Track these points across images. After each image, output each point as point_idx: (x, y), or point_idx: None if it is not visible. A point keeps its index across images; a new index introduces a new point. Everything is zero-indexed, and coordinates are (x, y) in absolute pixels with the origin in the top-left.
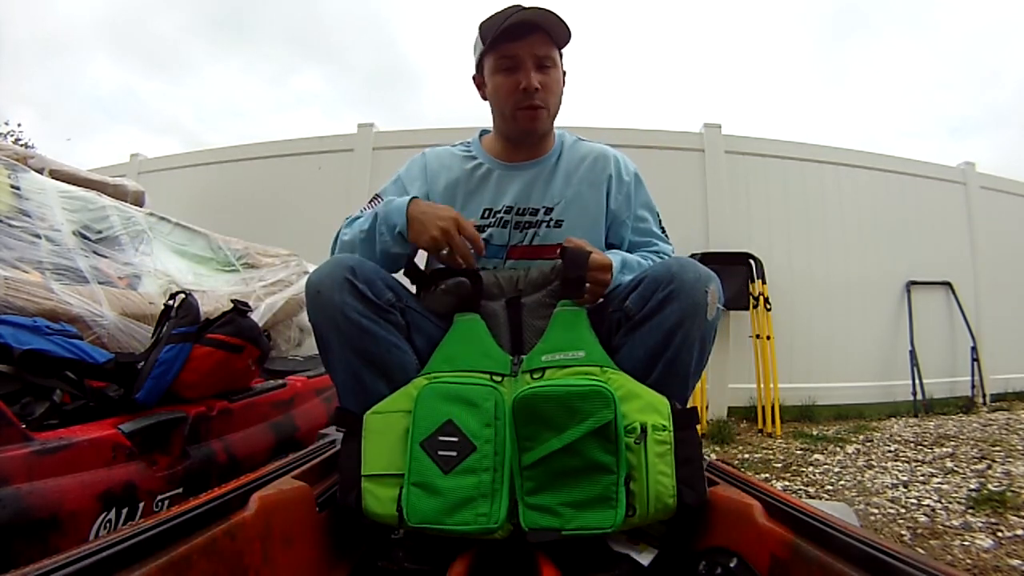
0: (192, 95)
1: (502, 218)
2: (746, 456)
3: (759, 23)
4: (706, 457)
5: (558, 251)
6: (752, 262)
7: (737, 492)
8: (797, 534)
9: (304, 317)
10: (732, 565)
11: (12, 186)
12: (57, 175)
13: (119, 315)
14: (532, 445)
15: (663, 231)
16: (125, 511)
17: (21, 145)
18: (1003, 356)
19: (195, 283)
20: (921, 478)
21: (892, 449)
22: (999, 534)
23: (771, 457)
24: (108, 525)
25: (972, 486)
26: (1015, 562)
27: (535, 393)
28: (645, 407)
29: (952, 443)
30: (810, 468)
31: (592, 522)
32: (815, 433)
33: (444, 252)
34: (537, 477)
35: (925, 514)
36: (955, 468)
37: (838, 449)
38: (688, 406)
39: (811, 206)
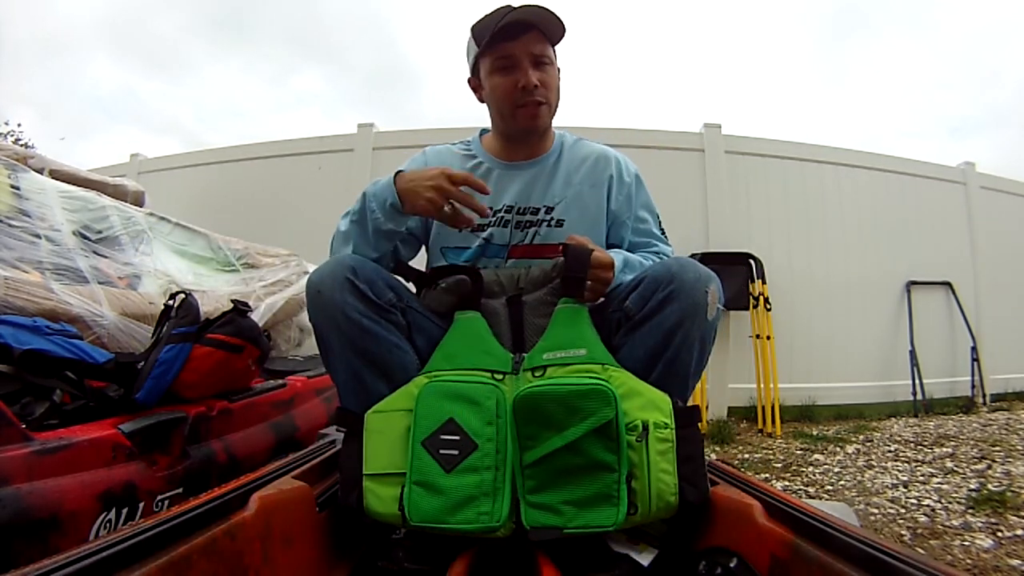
0: (192, 95)
1: (503, 217)
2: (746, 456)
3: (759, 23)
4: (706, 457)
5: (560, 248)
6: (752, 262)
7: (737, 492)
8: (797, 534)
9: (304, 317)
10: (732, 565)
11: (12, 186)
12: (57, 175)
13: (119, 315)
14: (533, 444)
15: (663, 232)
16: (125, 511)
17: (21, 145)
18: (1003, 356)
19: (195, 283)
20: (921, 478)
21: (892, 449)
22: (999, 534)
23: (771, 457)
24: (108, 525)
25: (972, 486)
26: (1015, 562)
27: (536, 392)
28: (646, 405)
29: (952, 443)
30: (810, 468)
31: (594, 520)
32: (815, 433)
33: (447, 209)
34: (539, 475)
35: (925, 514)
36: (955, 468)
37: (838, 449)
38: (688, 405)
39: (811, 206)
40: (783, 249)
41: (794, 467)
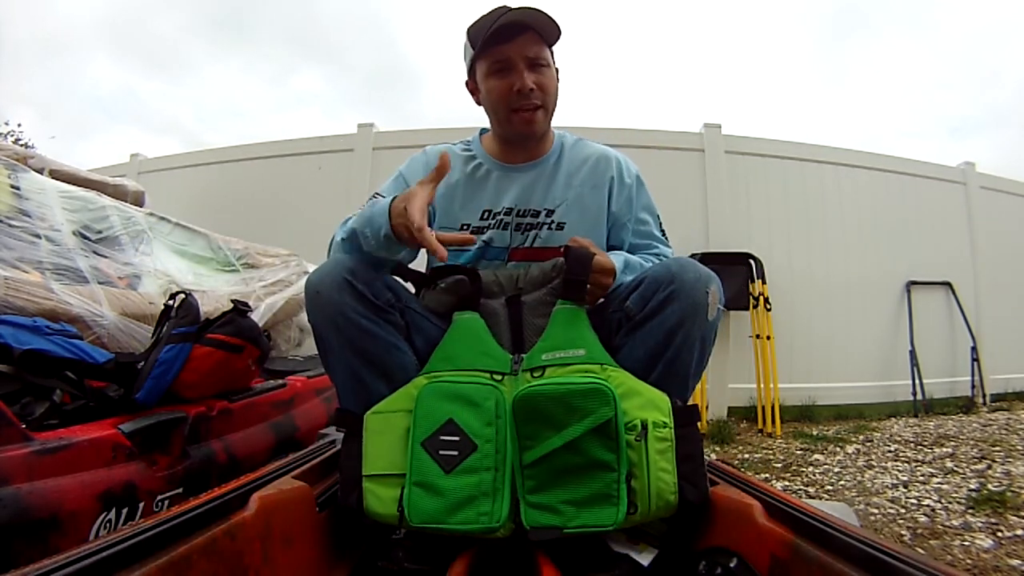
0: (192, 95)
1: (502, 220)
2: (746, 456)
3: (759, 23)
4: (706, 457)
5: (562, 250)
6: (752, 262)
7: (737, 492)
8: (797, 534)
9: (304, 317)
10: (732, 565)
11: (12, 186)
12: (57, 175)
13: (119, 315)
14: (533, 444)
15: (663, 234)
16: (125, 511)
17: (21, 145)
18: (1003, 356)
19: (195, 283)
20: (921, 478)
21: (892, 449)
22: (999, 534)
23: (771, 457)
24: (108, 525)
25: (972, 486)
26: (1015, 562)
27: (535, 392)
28: (646, 404)
29: (952, 443)
30: (810, 468)
31: (594, 520)
32: (815, 433)
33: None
34: (538, 475)
35: (925, 514)
36: (955, 468)
37: (838, 449)
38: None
39: (811, 206)
40: (783, 249)
41: (794, 467)
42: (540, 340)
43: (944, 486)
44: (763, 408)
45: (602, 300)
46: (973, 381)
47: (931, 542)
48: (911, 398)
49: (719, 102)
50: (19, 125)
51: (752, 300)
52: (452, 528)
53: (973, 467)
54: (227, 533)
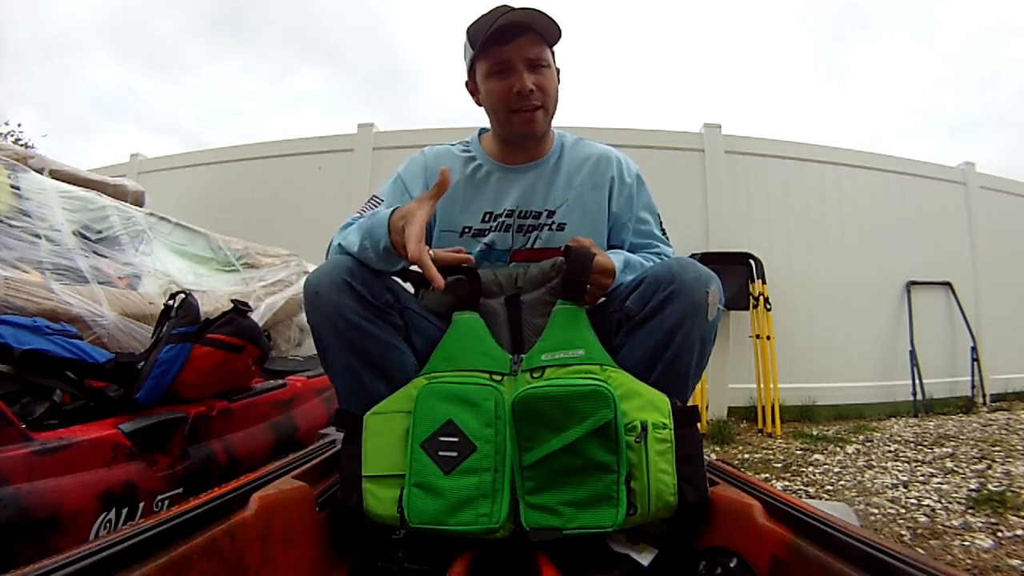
0: (192, 95)
1: (504, 222)
2: (746, 456)
3: (759, 23)
4: (706, 457)
5: (563, 250)
6: (752, 262)
7: (737, 492)
8: (797, 534)
9: (304, 317)
10: (732, 565)
11: (12, 186)
12: (57, 175)
13: (119, 315)
14: (532, 445)
15: (664, 233)
16: (125, 511)
17: (21, 145)
18: (1003, 356)
19: (195, 283)
20: (921, 478)
21: (892, 449)
22: (999, 534)
23: (771, 457)
24: (108, 525)
25: (972, 486)
26: (1015, 562)
27: (534, 393)
28: (645, 405)
29: (952, 443)
30: (810, 468)
31: (593, 521)
32: (815, 433)
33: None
34: (538, 477)
35: (925, 514)
36: (955, 468)
37: (838, 449)
38: (688, 405)
39: (811, 206)
40: (783, 249)
41: (794, 467)
42: (539, 340)
43: (944, 486)
44: (763, 408)
45: (603, 300)
46: (973, 381)
47: (931, 542)
48: (911, 398)
49: (719, 102)
50: (19, 125)
51: (752, 300)
52: (451, 529)
53: (973, 467)
54: (227, 533)
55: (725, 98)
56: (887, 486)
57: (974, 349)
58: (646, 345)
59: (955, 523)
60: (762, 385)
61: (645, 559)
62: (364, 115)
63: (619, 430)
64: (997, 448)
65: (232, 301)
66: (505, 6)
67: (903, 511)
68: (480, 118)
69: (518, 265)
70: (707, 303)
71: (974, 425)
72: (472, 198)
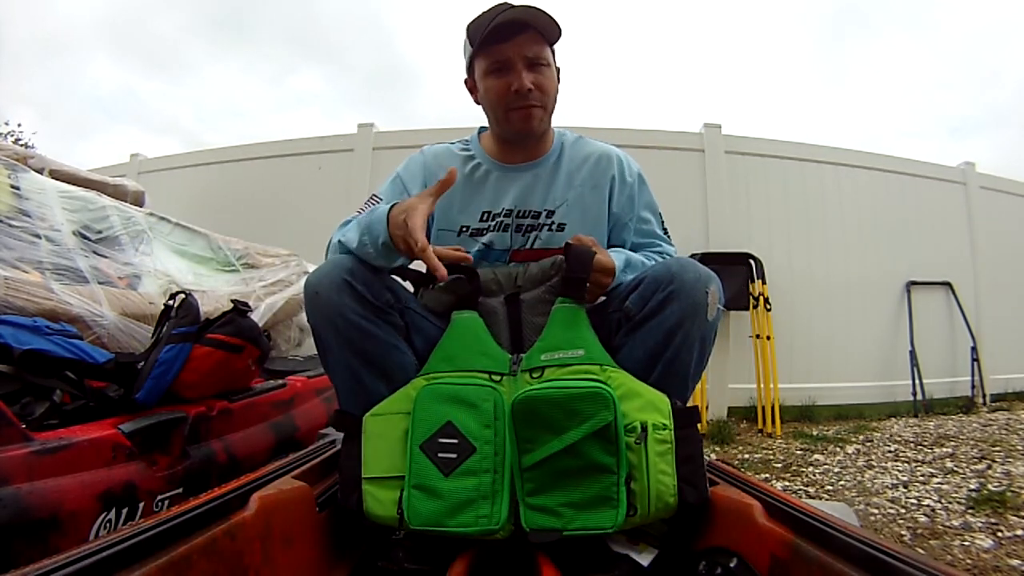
0: (192, 95)
1: (502, 222)
2: (746, 456)
3: (759, 23)
4: (706, 457)
5: (563, 247)
6: (752, 262)
7: (737, 492)
8: (797, 534)
9: (304, 317)
10: (732, 565)
11: (12, 186)
12: (57, 175)
13: (119, 315)
14: (532, 447)
15: (666, 232)
16: (125, 511)
17: (21, 145)
18: (1003, 356)
19: (195, 283)
20: (921, 478)
21: (892, 449)
22: (999, 534)
23: (771, 457)
24: (108, 525)
25: (972, 486)
26: (1015, 562)
27: (534, 396)
28: (645, 406)
29: (952, 443)
30: (810, 468)
31: (593, 522)
32: (815, 433)
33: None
34: (538, 478)
35: (925, 514)
36: (955, 468)
37: (838, 449)
38: (688, 406)
39: (811, 206)
40: (783, 249)
41: (794, 467)
42: (539, 340)
43: (944, 486)
44: (763, 408)
45: (603, 299)
46: (973, 381)
47: (931, 542)
48: (911, 398)
49: (719, 102)
50: (19, 125)
51: (752, 300)
52: (452, 531)
53: (973, 467)
54: (227, 533)
55: (725, 98)
56: (887, 486)
57: (974, 349)
58: (646, 345)
59: (955, 523)
60: (762, 385)
61: (645, 559)
62: (364, 115)
63: (619, 431)
64: (997, 448)
65: (232, 301)
66: (505, 3)
67: (903, 511)
68: (481, 118)
69: (518, 264)
70: (707, 303)
71: (974, 425)
72: (471, 197)
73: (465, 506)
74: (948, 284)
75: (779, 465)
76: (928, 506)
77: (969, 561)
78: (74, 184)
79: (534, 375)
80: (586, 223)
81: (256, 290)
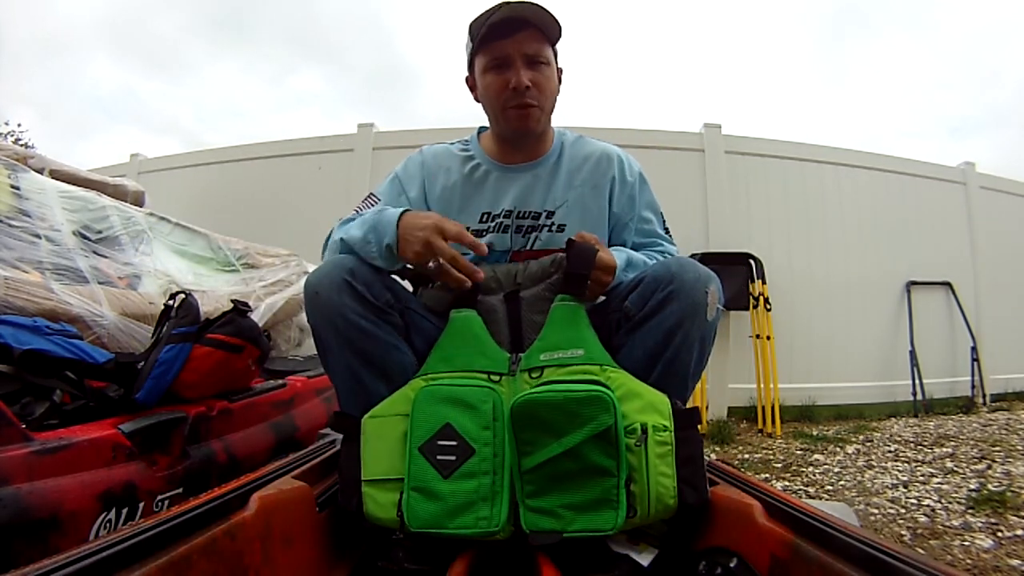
0: (192, 95)
1: (501, 223)
2: (746, 456)
3: (759, 23)
4: (706, 457)
5: (565, 243)
6: (752, 262)
7: (737, 492)
8: (797, 534)
9: (304, 317)
10: (732, 565)
11: (12, 186)
12: (57, 175)
13: (119, 315)
14: (532, 450)
15: (667, 232)
16: (125, 511)
17: (21, 145)
18: (1003, 356)
19: (195, 283)
20: (921, 478)
21: (892, 449)
22: (999, 534)
23: (771, 457)
24: (108, 525)
25: (972, 486)
26: (1015, 562)
27: (533, 399)
28: (646, 407)
29: (952, 443)
30: (810, 468)
31: (593, 524)
32: (815, 433)
33: (432, 265)
34: (537, 480)
35: (925, 514)
36: (955, 468)
37: (838, 449)
38: (688, 407)
39: (811, 206)
40: (783, 249)
41: (794, 467)
42: (538, 339)
43: (944, 486)
44: (763, 408)
45: (603, 299)
46: (973, 381)
47: (931, 542)
48: (911, 398)
49: (719, 102)
50: (19, 125)
51: (752, 300)
52: (452, 533)
53: (973, 467)
54: (227, 533)
55: (725, 98)
56: (887, 486)
57: (974, 349)
58: (645, 345)
59: (955, 523)
60: (762, 385)
61: (645, 559)
62: (364, 115)
63: (619, 434)
64: (997, 448)
65: (232, 301)
66: (506, 0)
67: (903, 511)
68: (481, 118)
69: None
70: (706, 303)
71: (974, 425)
72: (470, 198)
73: (465, 508)
74: (948, 284)
75: (779, 465)
76: (928, 506)
77: (969, 561)
78: (74, 184)
79: (533, 375)
80: (586, 224)
81: (256, 290)
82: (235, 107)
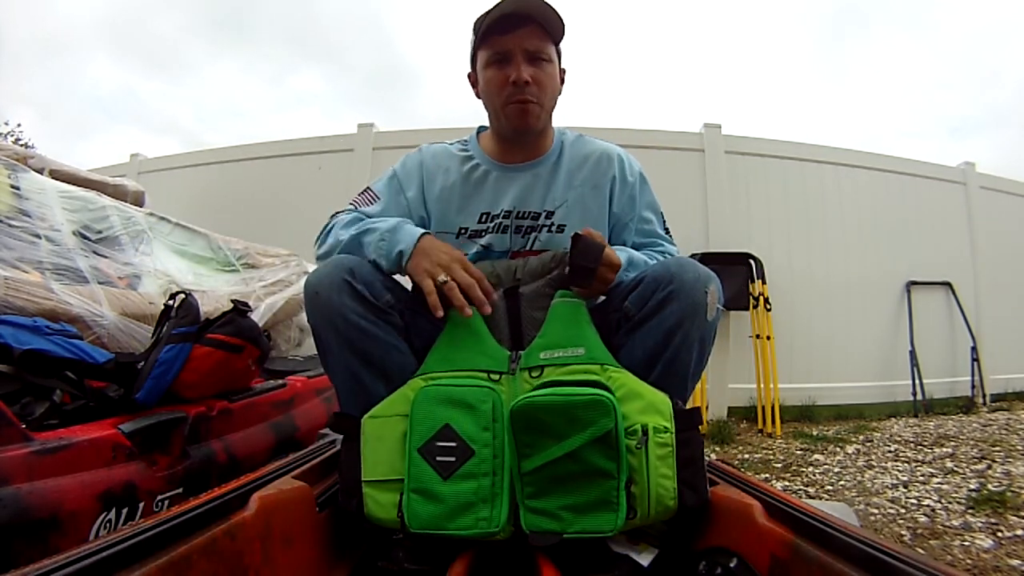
0: (192, 95)
1: (501, 223)
2: (746, 456)
3: (759, 23)
4: (706, 457)
5: (572, 237)
6: (752, 262)
7: (737, 492)
8: (797, 534)
9: (304, 317)
10: (732, 565)
11: (12, 186)
12: (57, 175)
13: (119, 315)
14: (532, 452)
15: (667, 232)
16: (125, 511)
17: (21, 145)
18: (1003, 356)
19: (195, 283)
20: (921, 478)
21: (892, 449)
22: (999, 534)
23: (771, 457)
24: (108, 525)
25: (972, 486)
26: (1015, 562)
27: (533, 403)
28: (647, 407)
29: (952, 443)
30: (810, 468)
31: (593, 525)
32: (815, 433)
33: (442, 278)
34: (537, 482)
35: (925, 514)
36: (955, 468)
37: (838, 449)
38: (688, 407)
39: (811, 206)
40: (783, 249)
41: (794, 467)
42: (538, 336)
43: (944, 486)
44: (763, 408)
45: (603, 299)
46: (973, 381)
47: (931, 542)
48: (911, 398)
49: (719, 102)
50: (19, 125)
51: (752, 300)
52: (452, 533)
53: (973, 467)
54: (227, 533)
55: (725, 98)
56: (887, 486)
57: (974, 349)
58: (645, 345)
59: (955, 523)
60: (762, 385)
61: (645, 559)
62: (364, 115)
63: (619, 437)
64: (997, 448)
65: (232, 301)
66: None
67: (903, 511)
68: (480, 117)
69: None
70: (706, 303)
71: (974, 425)
72: (469, 198)
73: (465, 509)
74: (948, 284)
75: (779, 465)
76: (928, 506)
77: (969, 561)
78: (74, 184)
79: (533, 374)
80: (586, 224)
81: (256, 290)
82: (235, 107)
